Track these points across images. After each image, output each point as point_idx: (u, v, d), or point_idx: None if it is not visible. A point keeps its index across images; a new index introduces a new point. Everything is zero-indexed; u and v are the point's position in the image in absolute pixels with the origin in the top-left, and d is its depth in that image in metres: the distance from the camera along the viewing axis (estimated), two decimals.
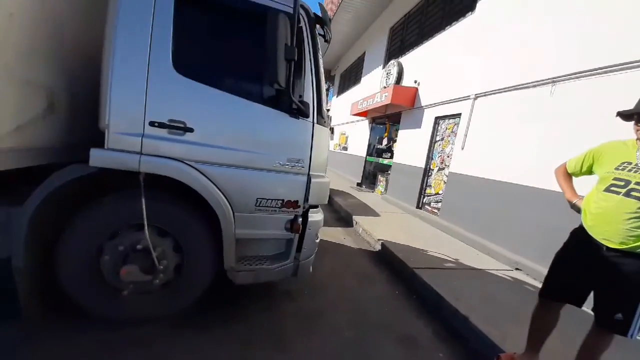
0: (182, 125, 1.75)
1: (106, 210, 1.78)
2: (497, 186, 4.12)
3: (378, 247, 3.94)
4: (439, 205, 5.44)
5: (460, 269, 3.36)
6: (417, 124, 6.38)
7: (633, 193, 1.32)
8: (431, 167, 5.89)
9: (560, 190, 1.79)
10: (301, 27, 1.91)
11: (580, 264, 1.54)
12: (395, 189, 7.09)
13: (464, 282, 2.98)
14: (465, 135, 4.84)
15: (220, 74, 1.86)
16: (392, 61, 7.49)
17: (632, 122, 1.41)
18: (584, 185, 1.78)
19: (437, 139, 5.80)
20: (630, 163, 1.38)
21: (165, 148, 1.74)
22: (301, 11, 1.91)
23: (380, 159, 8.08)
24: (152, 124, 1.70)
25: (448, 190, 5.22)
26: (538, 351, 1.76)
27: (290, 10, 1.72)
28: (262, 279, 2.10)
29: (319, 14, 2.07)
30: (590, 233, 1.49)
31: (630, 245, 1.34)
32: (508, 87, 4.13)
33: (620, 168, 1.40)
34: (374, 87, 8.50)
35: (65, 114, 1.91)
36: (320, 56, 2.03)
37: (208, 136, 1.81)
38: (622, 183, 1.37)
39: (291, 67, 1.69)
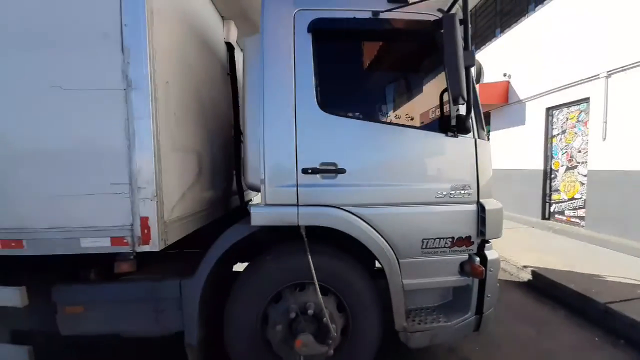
0: (333, 168, 1.56)
1: (266, 272, 1.63)
2: None
3: (526, 276, 3.17)
4: (581, 212, 4.32)
5: None
6: (518, 121, 5.47)
7: None
8: (553, 167, 4.84)
9: None
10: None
11: None
12: (502, 200, 6.04)
13: None
14: (605, 122, 3.84)
15: (365, 104, 1.67)
16: None
17: None
18: None
19: (555, 132, 4.81)
20: None
21: (320, 195, 1.57)
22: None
23: None
24: (304, 171, 1.55)
25: (591, 192, 4.12)
26: None
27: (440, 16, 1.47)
28: (441, 340, 1.69)
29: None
30: None
31: None
32: None
33: None
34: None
35: (209, 175, 1.94)
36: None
37: (360, 175, 1.59)
38: None
39: (470, 77, 1.39)
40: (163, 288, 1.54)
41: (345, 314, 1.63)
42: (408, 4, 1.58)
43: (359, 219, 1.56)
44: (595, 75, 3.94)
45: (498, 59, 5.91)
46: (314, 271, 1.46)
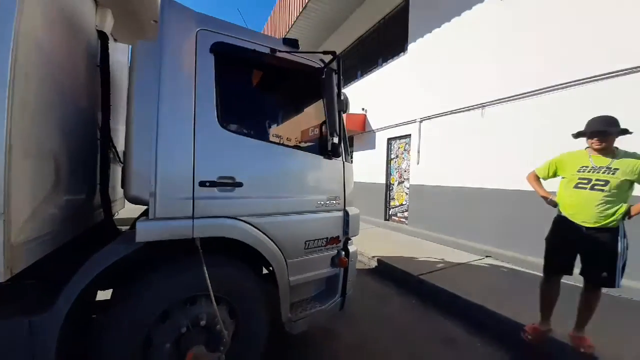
0: (231, 181, 1.70)
1: (151, 291, 1.52)
2: (455, 191, 4.92)
3: (374, 263, 4.19)
4: (406, 214, 6.08)
5: (450, 267, 3.85)
6: (371, 145, 7.10)
7: (596, 187, 1.91)
8: (391, 182, 6.58)
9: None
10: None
11: (568, 242, 2.07)
12: (359, 207, 7.55)
13: (459, 276, 3.44)
14: (418, 152, 5.65)
15: (262, 126, 1.90)
16: None
17: (584, 139, 2.02)
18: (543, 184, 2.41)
19: (392, 156, 6.57)
20: (587, 167, 1.98)
21: (217, 207, 1.66)
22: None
23: None
24: (202, 184, 1.61)
25: (411, 200, 5.91)
26: (549, 318, 2.22)
27: (332, 66, 1.92)
28: (317, 322, 2.08)
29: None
30: (572, 219, 2.04)
31: (602, 223, 1.90)
32: (446, 112, 5.09)
33: (581, 170, 2.00)
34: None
35: (67, 186, 1.63)
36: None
37: (256, 188, 1.79)
38: (586, 181, 1.96)
39: (341, 117, 1.86)
40: (6, 330, 1.20)
41: (237, 319, 1.77)
42: (298, 51, 1.96)
43: (254, 228, 1.75)
44: (413, 120, 5.75)
45: (359, 95, 7.50)
46: (209, 282, 1.52)
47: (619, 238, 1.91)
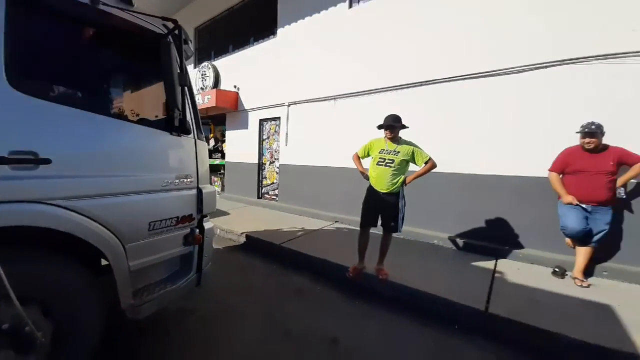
0: (32, 158, 1.40)
1: None
2: (316, 170, 5.68)
3: (243, 239, 4.38)
4: (277, 192, 6.53)
5: (307, 233, 4.53)
6: (244, 125, 7.04)
7: (388, 164, 2.74)
8: (263, 162, 6.83)
9: (354, 167, 3.13)
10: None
11: (373, 204, 2.90)
12: (234, 186, 7.51)
13: (313, 240, 4.14)
14: (287, 134, 6.10)
15: (85, 92, 1.61)
16: (205, 63, 7.55)
17: (383, 130, 2.81)
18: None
19: (265, 137, 6.79)
20: (384, 150, 2.80)
21: (10, 190, 1.34)
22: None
23: (211, 160, 8.09)
24: None
25: (281, 178, 6.39)
26: (364, 259, 3.07)
27: (165, 31, 1.79)
28: (168, 302, 2.06)
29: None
30: (375, 187, 2.85)
31: (390, 190, 2.77)
32: (310, 99, 5.69)
33: (381, 152, 2.81)
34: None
35: None
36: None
37: (74, 166, 1.54)
38: (383, 160, 2.78)
39: (184, 92, 1.80)
40: None
41: (54, 317, 1.53)
42: (128, 9, 1.72)
43: (74, 213, 1.52)
44: (282, 103, 6.10)
45: (232, 71, 7.17)
46: (6, 281, 1.25)
47: (400, 199, 2.84)
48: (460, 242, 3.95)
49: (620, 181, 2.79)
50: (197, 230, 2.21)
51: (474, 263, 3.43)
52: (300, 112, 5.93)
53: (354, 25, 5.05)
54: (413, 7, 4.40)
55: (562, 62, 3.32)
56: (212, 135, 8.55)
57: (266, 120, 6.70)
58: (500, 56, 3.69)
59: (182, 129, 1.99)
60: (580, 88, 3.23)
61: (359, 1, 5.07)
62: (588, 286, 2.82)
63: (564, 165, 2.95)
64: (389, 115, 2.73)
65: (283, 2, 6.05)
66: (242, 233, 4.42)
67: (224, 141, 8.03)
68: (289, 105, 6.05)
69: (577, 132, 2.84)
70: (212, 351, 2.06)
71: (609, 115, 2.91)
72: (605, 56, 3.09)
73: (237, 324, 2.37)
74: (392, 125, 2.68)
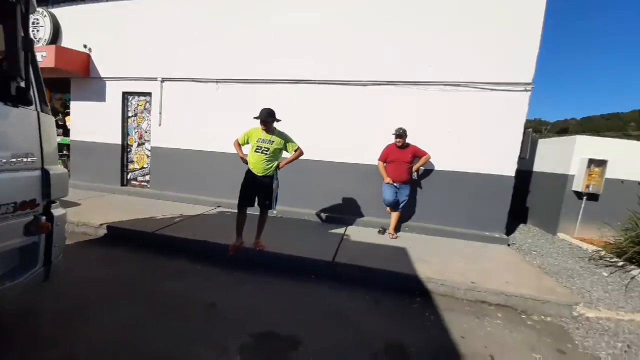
0: None
1: None
2: (196, 154, 5.49)
3: (103, 232, 3.86)
4: (148, 177, 5.87)
5: (187, 219, 4.46)
6: (99, 97, 5.82)
7: (263, 152, 3.17)
8: (129, 142, 5.93)
9: (235, 152, 3.43)
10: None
11: (251, 185, 3.29)
12: (85, 172, 6.15)
13: (194, 224, 4.15)
14: (160, 114, 5.54)
15: None
16: (40, 9, 5.63)
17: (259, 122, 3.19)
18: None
19: (130, 114, 5.86)
20: (261, 139, 3.20)
21: None
22: None
23: None
24: None
25: (153, 162, 5.78)
26: (242, 235, 3.43)
27: None
28: (9, 299, 1.80)
29: None
30: (252, 171, 3.24)
31: (265, 173, 3.23)
32: (188, 78, 5.37)
33: (258, 141, 3.20)
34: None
35: None
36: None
37: None
38: (259, 148, 3.19)
39: (28, 58, 1.57)
40: None
41: None
42: None
43: None
44: (154, 78, 5.47)
45: (80, 26, 5.70)
46: None
47: (274, 181, 3.35)
48: (323, 215, 4.94)
49: (414, 167, 4.28)
50: (44, 217, 1.97)
51: (331, 230, 4.42)
52: (177, 90, 5.50)
53: (242, 10, 5.10)
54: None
55: (390, 83, 4.64)
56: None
57: (132, 94, 5.80)
58: (354, 71, 4.73)
59: (20, 99, 1.73)
60: (403, 104, 4.63)
61: None
62: (396, 238, 4.25)
63: (385, 156, 4.23)
64: (264, 109, 3.13)
65: None
66: (101, 225, 3.88)
67: (67, 114, 6.34)
68: (162, 81, 5.48)
69: (392, 134, 4.14)
70: (63, 346, 1.96)
71: (415, 124, 4.37)
72: (416, 83, 4.55)
73: (99, 314, 2.29)
74: (266, 120, 3.11)
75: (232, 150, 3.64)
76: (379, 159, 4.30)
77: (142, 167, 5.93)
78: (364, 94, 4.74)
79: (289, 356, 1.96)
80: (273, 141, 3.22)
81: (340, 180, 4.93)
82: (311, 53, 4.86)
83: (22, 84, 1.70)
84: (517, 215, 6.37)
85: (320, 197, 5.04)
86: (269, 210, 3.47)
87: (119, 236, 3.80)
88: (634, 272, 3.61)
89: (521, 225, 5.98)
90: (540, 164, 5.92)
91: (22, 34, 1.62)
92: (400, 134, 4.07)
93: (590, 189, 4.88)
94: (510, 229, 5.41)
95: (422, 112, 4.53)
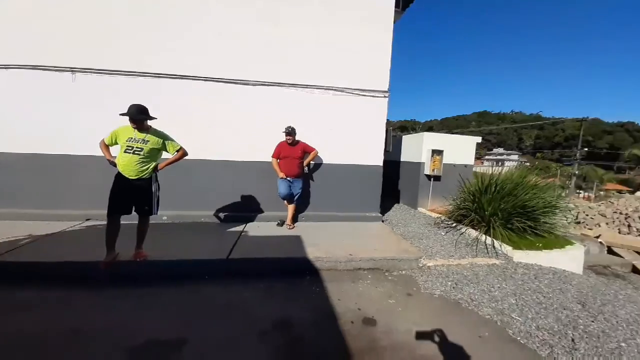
0: None
1: None
2: (49, 159, 4.42)
3: None
4: None
5: (39, 239, 3.58)
6: None
7: (136, 152, 2.89)
8: None
9: (102, 155, 3.01)
10: None
11: (124, 190, 2.95)
12: None
13: (49, 245, 3.39)
14: None
15: None
16: None
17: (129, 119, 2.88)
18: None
19: None
20: (132, 138, 2.90)
21: None
22: None
23: None
24: None
25: None
26: (114, 248, 3.04)
27: None
28: None
29: None
30: (124, 174, 2.91)
31: (140, 176, 2.95)
32: (33, 65, 4.25)
33: (128, 140, 2.89)
34: None
35: None
36: None
37: None
38: (131, 148, 2.88)
39: None
40: None
41: None
42: None
43: None
44: None
45: None
46: None
47: (153, 184, 3.09)
48: (222, 216, 4.84)
49: (305, 162, 4.70)
50: None
51: (229, 230, 4.39)
52: (16, 80, 4.27)
53: None
54: None
55: (279, 85, 4.91)
56: None
57: None
58: (244, 71, 4.78)
59: None
60: (292, 104, 4.96)
61: None
62: (293, 228, 4.59)
63: (278, 153, 4.49)
64: (132, 105, 2.84)
65: None
66: None
67: None
68: None
69: (283, 132, 4.43)
70: None
71: (304, 123, 4.77)
72: (303, 86, 4.94)
73: None
74: (136, 118, 2.83)
75: (98, 152, 3.17)
76: (272, 156, 4.52)
77: None
78: (254, 94, 4.85)
79: (172, 357, 1.94)
80: (148, 140, 2.97)
81: (237, 178, 4.92)
82: (203, 47, 4.64)
83: None
84: (393, 197, 7.80)
85: (218, 198, 4.90)
86: (152, 216, 3.19)
87: None
88: (463, 230, 5.02)
89: (395, 205, 7.36)
90: (405, 155, 7.42)
91: None
92: (290, 131, 4.39)
93: (435, 172, 6.47)
94: (387, 209, 6.61)
95: (309, 113, 4.99)
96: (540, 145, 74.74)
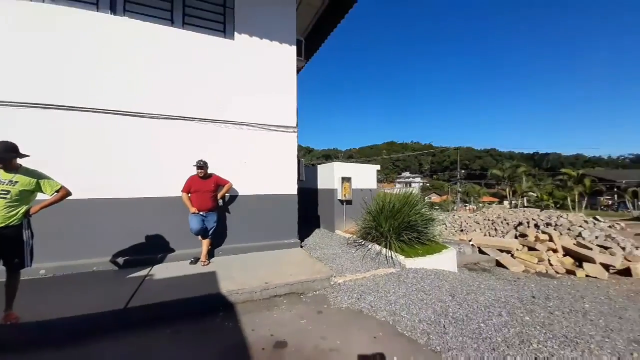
0: None
1: None
2: None
3: None
4: None
5: None
6: None
7: (1, 196, 2.46)
8: None
9: None
10: None
11: None
12: None
13: None
14: None
15: None
16: None
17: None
18: None
19: None
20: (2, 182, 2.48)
21: None
22: None
23: None
24: None
25: None
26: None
27: None
28: None
29: None
30: None
31: (7, 223, 2.50)
32: None
33: None
34: None
35: None
36: None
37: None
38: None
39: None
40: None
41: None
42: None
43: None
44: None
45: None
46: None
47: (24, 231, 2.64)
48: (121, 261, 4.28)
49: (219, 195, 4.69)
50: None
51: (130, 275, 3.92)
52: None
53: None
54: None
55: (192, 119, 4.91)
56: None
57: None
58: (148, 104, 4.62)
59: None
60: (206, 138, 4.96)
61: None
62: (208, 264, 4.41)
63: (189, 187, 4.38)
64: (1, 143, 2.47)
65: None
66: None
67: None
68: None
69: (194, 165, 4.39)
70: None
71: (218, 156, 4.81)
72: (216, 120, 5.04)
73: None
74: (2, 157, 2.47)
75: None
76: (182, 190, 4.37)
77: None
78: (163, 127, 4.70)
79: None
80: (17, 181, 2.57)
81: (140, 217, 4.50)
82: (93, 76, 4.29)
83: None
84: (314, 223, 8.27)
85: (115, 240, 4.34)
86: (22, 270, 2.67)
87: None
88: (369, 246, 5.69)
89: (316, 230, 7.81)
90: (321, 183, 8.11)
91: None
92: (201, 165, 4.38)
93: (346, 197, 7.26)
94: (307, 234, 6.97)
95: (223, 146, 5.09)
96: (435, 168, 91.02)
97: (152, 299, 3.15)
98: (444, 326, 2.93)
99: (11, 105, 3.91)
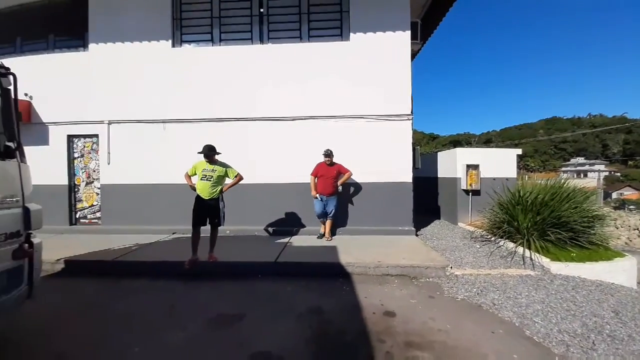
0: None
1: None
2: (148, 187, 5.92)
3: (60, 266, 4.11)
4: (98, 214, 6.05)
5: (143, 247, 4.84)
6: (41, 141, 5.98)
7: (208, 179, 3.94)
8: (76, 182, 6.10)
9: (184, 183, 4.12)
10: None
11: (201, 208, 3.98)
12: None
13: (149, 250, 4.59)
14: (109, 153, 5.91)
15: None
16: None
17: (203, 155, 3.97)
18: None
19: (76, 155, 6.09)
20: (206, 169, 3.97)
21: None
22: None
23: None
24: None
25: (104, 199, 6.02)
26: (196, 252, 4.05)
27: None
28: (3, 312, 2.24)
29: None
30: (201, 196, 3.96)
31: (211, 197, 3.97)
32: (134, 120, 5.91)
33: (203, 171, 3.96)
34: None
35: None
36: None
37: None
38: (205, 176, 3.95)
39: (19, 125, 2.21)
40: None
41: None
42: None
43: None
44: (101, 121, 5.89)
45: (21, 75, 5.90)
46: None
47: (220, 203, 4.08)
48: (271, 230, 5.72)
49: (339, 182, 5.36)
50: (27, 244, 2.46)
51: (277, 241, 5.21)
52: (125, 131, 5.98)
53: (176, 63, 5.93)
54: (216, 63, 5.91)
55: (312, 118, 5.80)
56: None
57: (77, 136, 6.08)
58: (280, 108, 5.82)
59: (7, 155, 2.33)
60: (330, 132, 5.77)
61: (181, 43, 6.01)
62: (331, 240, 5.20)
63: (317, 172, 5.26)
64: (206, 146, 3.95)
65: (95, 16, 5.93)
66: (57, 260, 4.14)
67: None
68: (109, 124, 5.92)
69: (322, 154, 5.21)
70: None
71: (338, 146, 5.52)
72: (338, 117, 5.76)
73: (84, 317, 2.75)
74: (208, 154, 3.92)
75: (181, 181, 4.31)
76: (312, 174, 5.30)
77: (92, 205, 6.10)
78: (299, 127, 5.81)
79: (235, 324, 2.67)
80: (215, 170, 4.00)
81: (284, 199, 5.80)
82: (255, 97, 5.87)
83: (12, 144, 2.32)
84: (434, 214, 7.87)
85: (267, 215, 5.82)
86: (219, 228, 4.17)
87: (78, 269, 4.09)
88: (500, 243, 5.01)
89: (436, 221, 7.43)
90: (441, 171, 7.56)
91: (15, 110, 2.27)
92: (328, 153, 5.17)
93: (472, 186, 6.50)
94: (425, 224, 6.78)
95: (340, 138, 5.73)
96: (630, 150, 62.72)
97: (292, 258, 4.14)
98: (592, 342, 2.39)
99: (221, 121, 5.90)
